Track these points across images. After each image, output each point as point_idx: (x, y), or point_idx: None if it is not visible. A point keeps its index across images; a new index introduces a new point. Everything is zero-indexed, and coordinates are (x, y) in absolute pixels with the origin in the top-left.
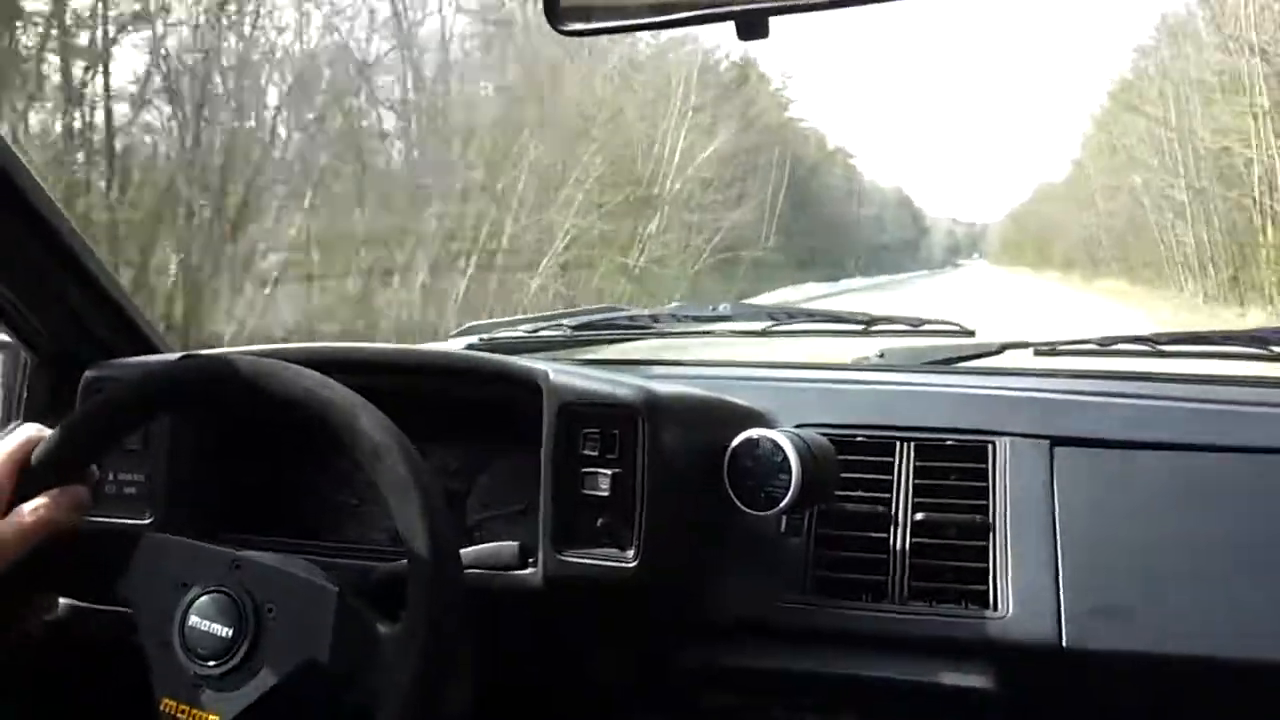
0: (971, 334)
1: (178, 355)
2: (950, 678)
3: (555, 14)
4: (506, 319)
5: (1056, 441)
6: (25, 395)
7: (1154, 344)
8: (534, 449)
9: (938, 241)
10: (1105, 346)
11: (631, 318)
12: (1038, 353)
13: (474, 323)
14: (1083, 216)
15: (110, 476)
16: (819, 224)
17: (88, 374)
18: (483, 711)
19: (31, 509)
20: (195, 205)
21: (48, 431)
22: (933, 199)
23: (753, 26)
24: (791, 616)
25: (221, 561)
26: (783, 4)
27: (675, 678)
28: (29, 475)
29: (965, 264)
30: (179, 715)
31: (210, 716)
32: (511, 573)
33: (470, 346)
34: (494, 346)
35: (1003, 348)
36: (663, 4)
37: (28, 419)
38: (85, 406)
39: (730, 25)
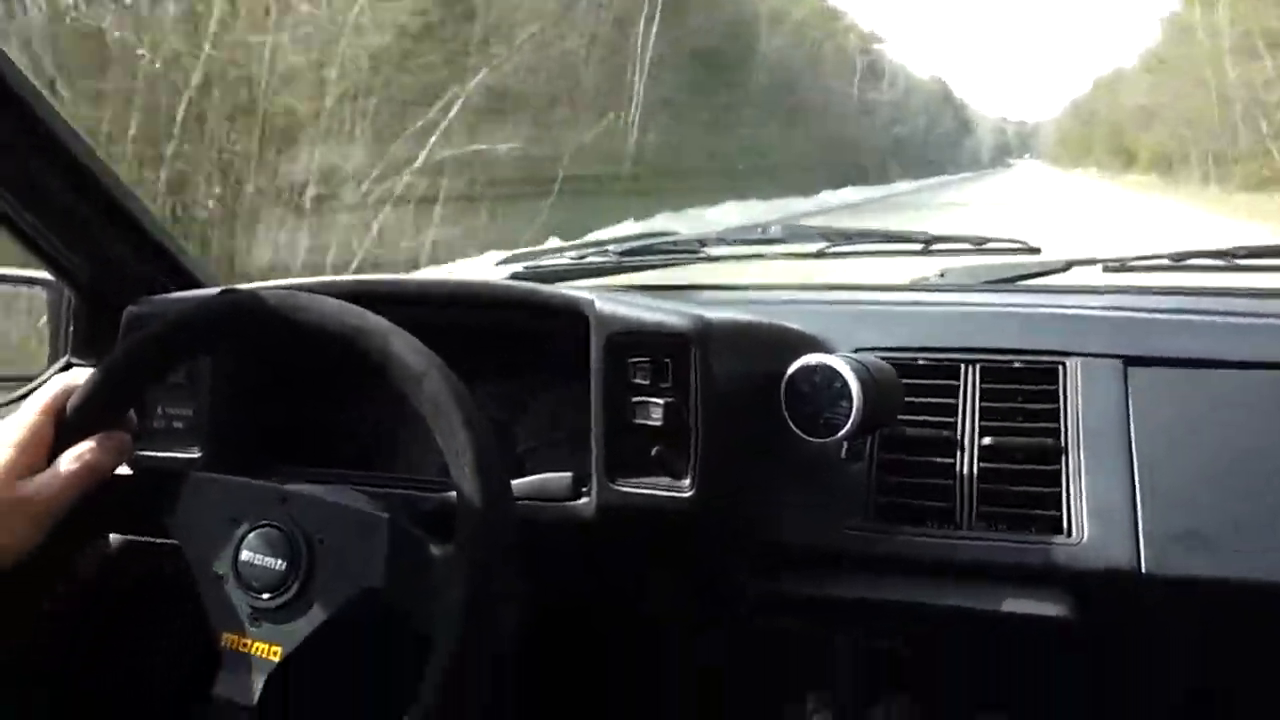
0: (1037, 251)
1: (217, 290)
2: (1022, 605)
3: None
4: (552, 246)
5: (1130, 361)
6: (71, 332)
7: (1230, 257)
8: (582, 378)
9: (984, 141)
10: (1178, 261)
11: (677, 242)
12: (1106, 269)
13: (518, 250)
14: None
15: (159, 411)
16: (818, 126)
17: (129, 310)
18: (537, 637)
19: (73, 457)
20: None
21: (84, 376)
22: (978, 94)
23: None
24: (854, 543)
25: (270, 496)
26: None
27: (732, 605)
28: (67, 424)
29: (1016, 164)
30: (238, 649)
31: (273, 647)
32: (564, 503)
33: (515, 275)
34: (539, 274)
35: (1069, 265)
36: None
37: (74, 355)
38: (120, 349)
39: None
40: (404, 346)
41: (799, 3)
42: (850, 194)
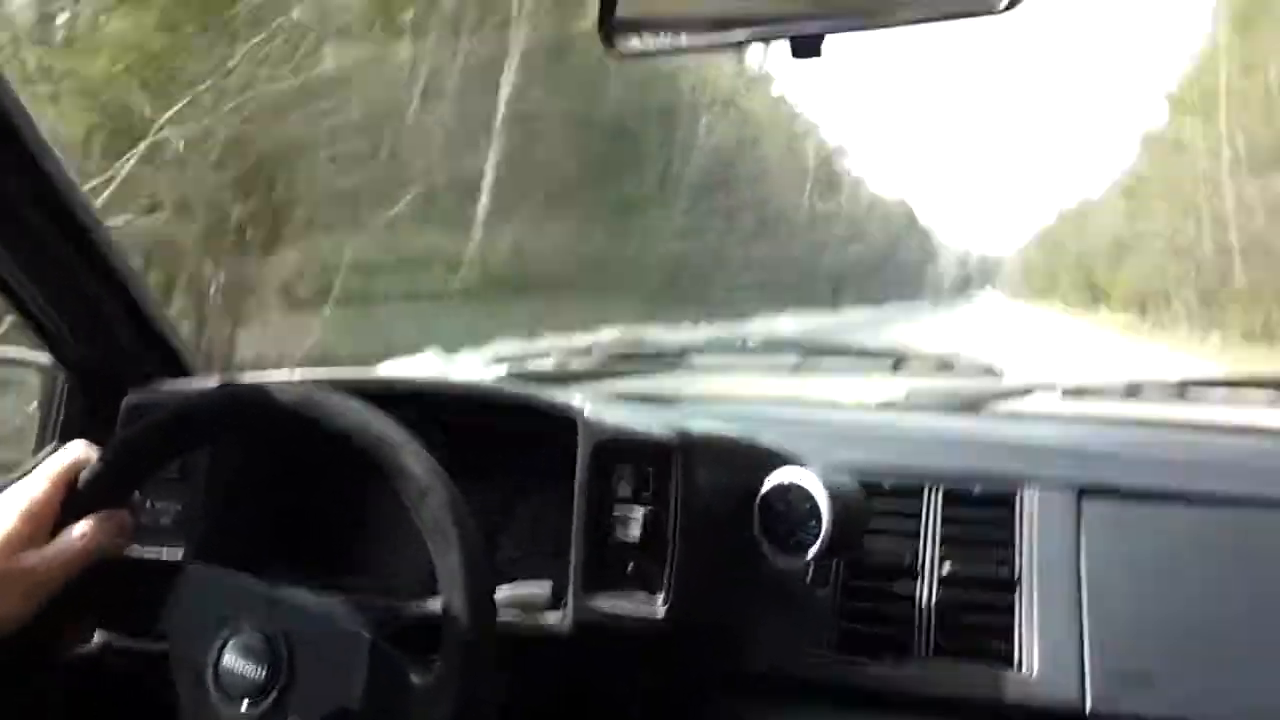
0: (1000, 374)
1: (217, 382)
2: None
3: (609, 39)
4: (539, 348)
5: (1084, 492)
6: (61, 417)
7: (1181, 388)
8: (567, 484)
9: (947, 271)
10: (1132, 391)
11: (662, 348)
12: (1065, 394)
13: (504, 352)
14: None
15: (147, 505)
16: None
17: (129, 399)
18: None
19: (78, 534)
20: None
21: (93, 452)
22: (941, 223)
23: (807, 47)
24: (817, 671)
25: (260, 599)
26: (835, 24)
27: None
28: (76, 498)
29: (978, 296)
30: None
31: None
32: (541, 616)
33: (507, 375)
34: (525, 376)
35: (1029, 389)
36: (718, 26)
37: (63, 440)
38: (130, 431)
39: (786, 45)
40: (415, 460)
41: (748, 93)
42: (787, 324)
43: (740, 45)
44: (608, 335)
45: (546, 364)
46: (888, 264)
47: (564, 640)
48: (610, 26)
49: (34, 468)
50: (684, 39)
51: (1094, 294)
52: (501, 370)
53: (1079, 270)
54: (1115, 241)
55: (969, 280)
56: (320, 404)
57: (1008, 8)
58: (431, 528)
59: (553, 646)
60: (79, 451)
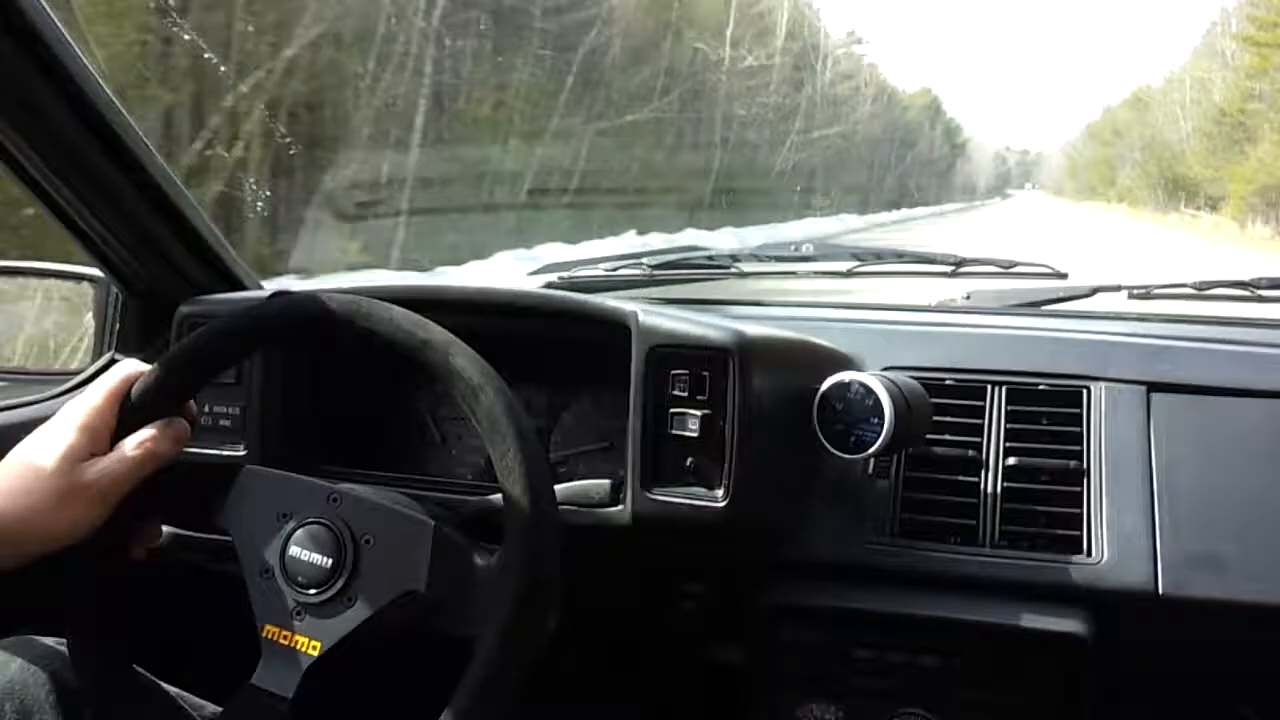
0: (1064, 276)
1: (270, 291)
2: (1041, 622)
3: None
4: (584, 258)
5: (1153, 387)
6: (118, 328)
7: (1253, 288)
8: (620, 387)
9: (981, 168)
10: (1202, 291)
11: (710, 257)
12: (1131, 296)
13: (552, 260)
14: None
15: (206, 409)
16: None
17: (182, 309)
18: (568, 639)
19: (135, 443)
20: None
21: (145, 367)
22: (975, 120)
23: None
24: (878, 558)
25: (319, 494)
26: None
27: (759, 613)
28: (131, 410)
29: (1016, 195)
30: (280, 641)
31: (312, 642)
32: (601, 509)
33: (550, 285)
34: (573, 285)
35: (1095, 290)
36: None
37: (119, 351)
38: (184, 342)
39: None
40: (465, 361)
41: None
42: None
43: None
44: (656, 242)
45: (594, 271)
46: (909, 164)
47: (623, 531)
48: None
49: (90, 379)
50: None
51: (1174, 189)
52: (550, 278)
53: (1153, 160)
54: (1225, 123)
55: (1008, 177)
56: (368, 312)
57: None
58: (486, 425)
59: (613, 537)
60: (131, 367)
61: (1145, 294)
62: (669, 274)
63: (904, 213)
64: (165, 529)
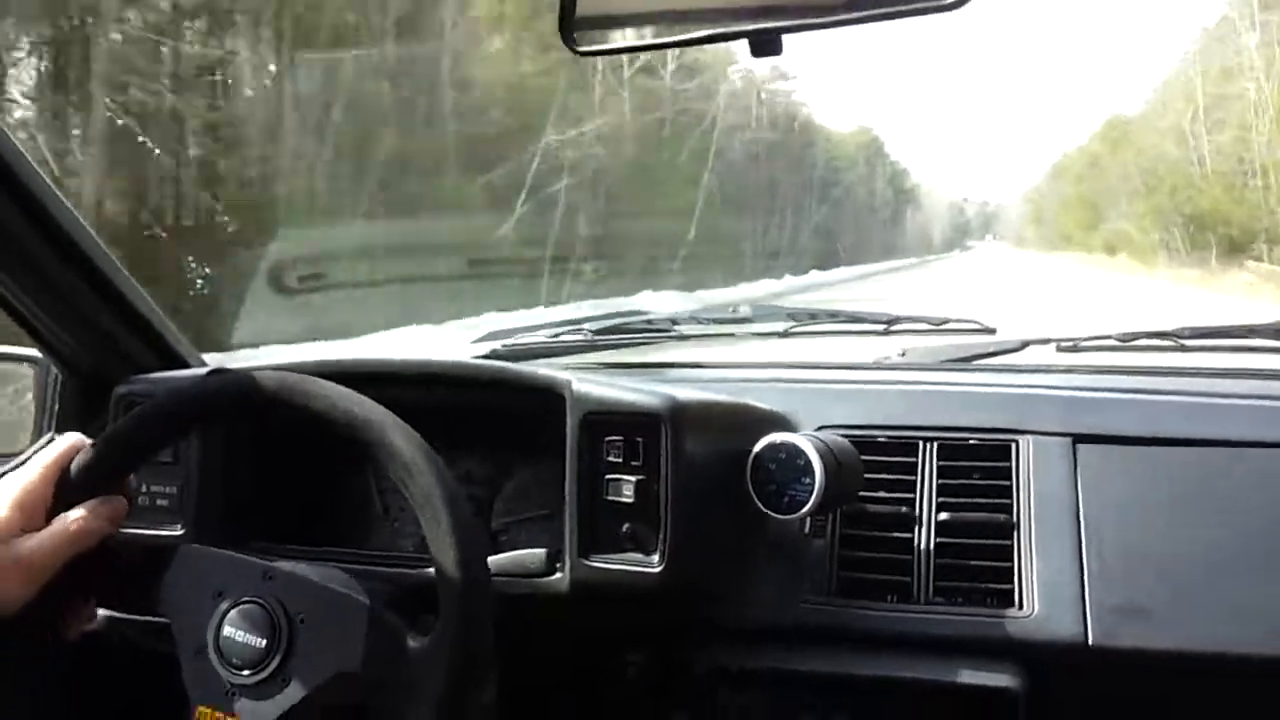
0: (992, 331)
1: (206, 370)
2: (977, 677)
3: (570, 37)
4: (527, 325)
5: (1080, 439)
6: (57, 410)
7: (1176, 338)
8: (558, 455)
9: (937, 217)
10: (1127, 342)
11: (650, 321)
12: (1060, 349)
13: (495, 329)
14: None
15: (143, 488)
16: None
17: (119, 389)
18: (506, 712)
19: (70, 519)
20: None
21: (85, 442)
22: (932, 172)
23: (766, 44)
24: (816, 618)
25: (255, 572)
26: (793, 23)
27: (699, 679)
28: (69, 485)
29: (976, 246)
30: None
31: None
32: (539, 579)
33: (493, 353)
34: (515, 353)
35: (1024, 344)
36: (677, 22)
37: (58, 433)
38: (120, 422)
39: (744, 44)
40: (398, 437)
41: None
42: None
43: (699, 43)
44: (596, 308)
45: (536, 338)
46: (842, 209)
47: (561, 600)
48: (571, 24)
49: (28, 459)
50: (644, 36)
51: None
52: (493, 346)
53: (1085, 210)
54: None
55: (967, 229)
56: (303, 390)
57: (956, 4)
58: (420, 500)
59: (550, 606)
60: (71, 440)
61: (1073, 347)
62: (609, 339)
63: (824, 276)
64: (101, 611)
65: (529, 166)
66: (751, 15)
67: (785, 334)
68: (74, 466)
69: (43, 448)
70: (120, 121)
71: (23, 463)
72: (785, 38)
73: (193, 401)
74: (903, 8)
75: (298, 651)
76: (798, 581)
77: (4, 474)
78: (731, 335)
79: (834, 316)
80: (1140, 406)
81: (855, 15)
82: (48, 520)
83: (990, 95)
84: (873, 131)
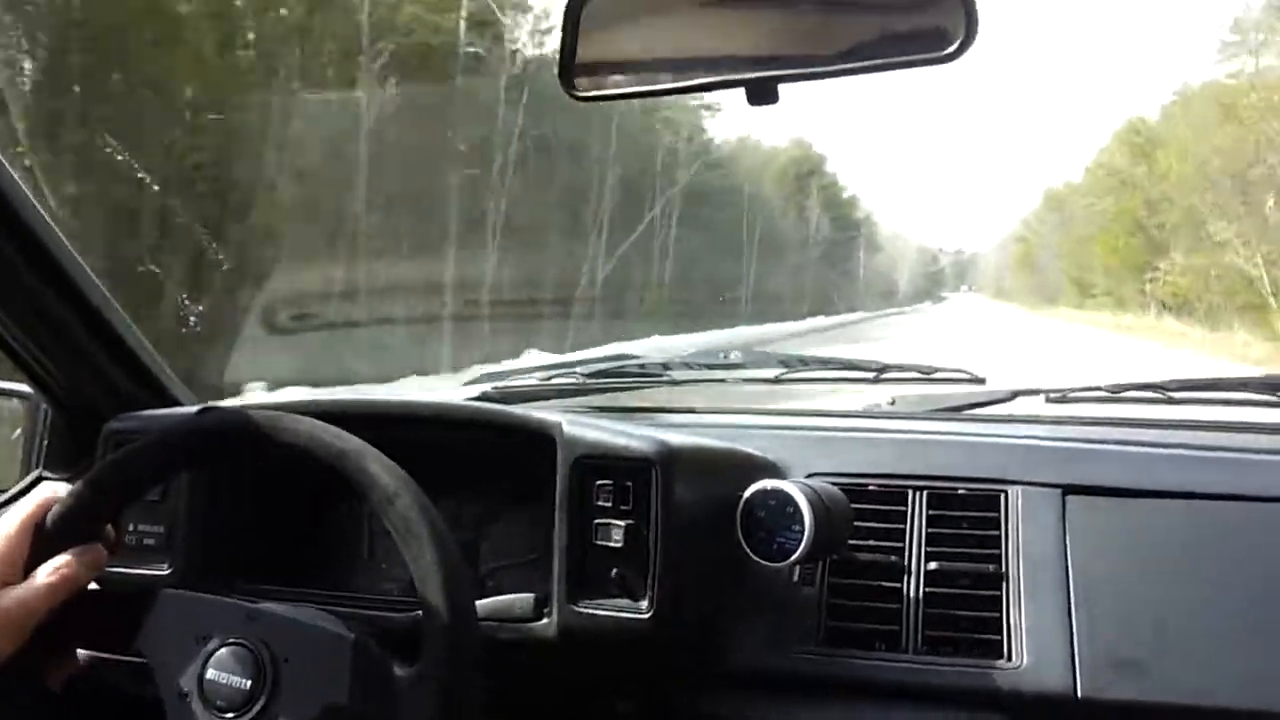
0: (982, 381)
1: (196, 409)
2: None
3: (571, 82)
4: (519, 367)
5: (1068, 490)
6: (46, 445)
7: (1165, 390)
8: (547, 498)
9: (905, 263)
10: (1116, 393)
11: (643, 365)
12: (1049, 399)
13: (487, 370)
14: None
15: (131, 527)
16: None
17: (109, 426)
18: None
19: (49, 570)
20: None
21: (63, 491)
22: (903, 220)
23: (763, 92)
24: (804, 666)
25: (237, 614)
26: (790, 72)
27: None
28: (46, 537)
29: (950, 297)
30: None
31: None
32: (526, 624)
33: (484, 395)
34: (507, 395)
35: (1013, 394)
36: (675, 70)
37: (47, 469)
38: (103, 464)
39: (741, 91)
40: (379, 468)
41: None
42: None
43: (697, 90)
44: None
45: (530, 381)
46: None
47: (549, 645)
48: (571, 70)
49: (11, 500)
50: (642, 83)
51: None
52: (485, 388)
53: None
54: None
55: (941, 279)
56: (286, 426)
57: (955, 54)
58: (402, 530)
59: (538, 652)
60: (48, 491)
61: (1062, 398)
62: (601, 382)
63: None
64: (83, 653)
65: None
66: (748, 64)
67: (776, 380)
68: (51, 516)
69: (30, 486)
70: (118, 157)
71: (3, 505)
72: (781, 87)
73: (176, 443)
74: (899, 59)
75: (284, 690)
76: (786, 629)
77: None
78: (723, 381)
79: (825, 364)
80: (1130, 458)
81: (851, 66)
82: (27, 572)
83: (961, 139)
84: (811, 147)
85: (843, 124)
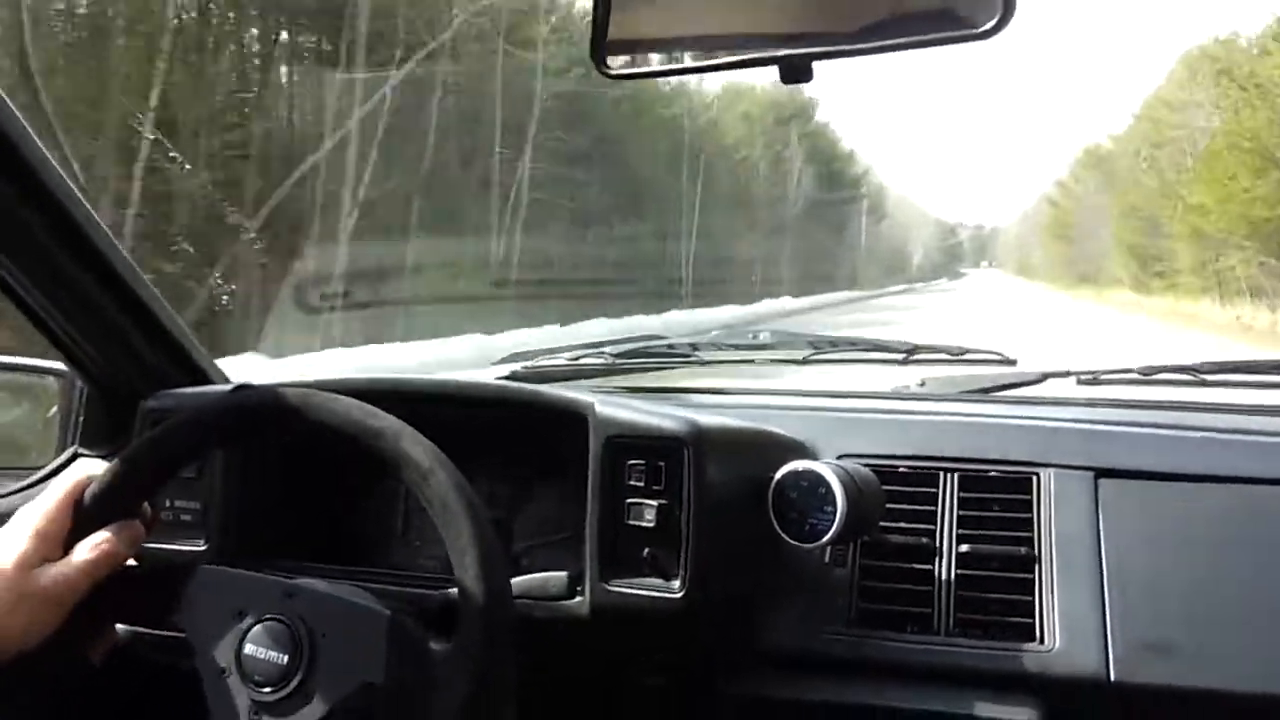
0: (1013, 363)
1: (231, 386)
2: (996, 710)
3: (601, 59)
4: (548, 348)
5: (1101, 473)
6: (81, 422)
7: (1197, 373)
8: (579, 478)
9: (918, 239)
10: (1148, 376)
11: (671, 346)
12: (1080, 381)
13: (517, 350)
14: None
15: (167, 504)
16: None
17: (146, 405)
18: None
19: (89, 547)
20: None
21: (101, 468)
22: (921, 191)
23: (797, 70)
24: (835, 648)
25: (275, 590)
26: (824, 50)
27: (719, 706)
28: (85, 513)
29: (970, 274)
30: None
31: None
32: (559, 602)
33: (513, 374)
34: (537, 375)
35: (1044, 376)
36: (707, 48)
37: (83, 446)
38: (140, 441)
39: (774, 69)
40: (414, 445)
41: None
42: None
43: (729, 68)
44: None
45: (559, 361)
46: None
47: (582, 623)
48: (603, 48)
49: (53, 474)
50: (674, 61)
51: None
52: (514, 367)
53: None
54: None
55: (960, 254)
56: (320, 404)
57: (993, 31)
58: (438, 507)
59: (571, 629)
60: (85, 468)
61: (1093, 380)
62: (630, 363)
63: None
64: (122, 628)
65: None
66: (781, 42)
67: (805, 361)
68: (90, 492)
69: (66, 463)
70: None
71: (39, 481)
72: (815, 65)
73: (211, 421)
74: (936, 35)
75: (320, 666)
76: (818, 610)
77: (15, 492)
78: (751, 361)
79: (854, 345)
80: (1162, 442)
81: (888, 43)
82: (67, 549)
83: (983, 109)
84: (812, 100)
85: (856, 92)
